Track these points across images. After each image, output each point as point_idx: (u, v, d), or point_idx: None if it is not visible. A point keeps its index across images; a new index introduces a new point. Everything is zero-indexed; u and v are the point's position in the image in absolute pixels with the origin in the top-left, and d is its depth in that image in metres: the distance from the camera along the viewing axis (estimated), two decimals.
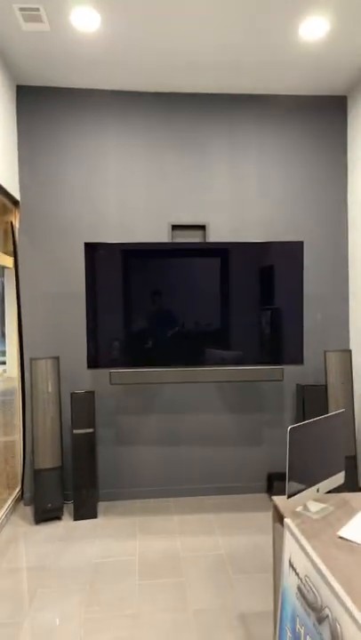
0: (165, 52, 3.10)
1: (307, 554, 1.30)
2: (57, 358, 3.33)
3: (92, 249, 3.25)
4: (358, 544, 1.62)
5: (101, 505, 3.57)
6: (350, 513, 1.88)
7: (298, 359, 3.37)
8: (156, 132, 3.63)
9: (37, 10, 2.66)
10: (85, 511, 3.33)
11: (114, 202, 3.61)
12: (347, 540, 1.65)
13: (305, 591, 1.30)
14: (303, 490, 1.85)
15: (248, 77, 3.44)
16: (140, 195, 3.63)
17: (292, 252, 3.36)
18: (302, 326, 3.36)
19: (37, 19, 2.74)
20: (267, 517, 3.33)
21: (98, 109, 3.57)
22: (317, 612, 1.22)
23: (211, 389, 3.70)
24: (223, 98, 3.65)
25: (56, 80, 3.45)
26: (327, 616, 1.16)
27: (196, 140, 3.65)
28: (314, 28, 2.85)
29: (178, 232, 3.68)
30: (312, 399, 3.52)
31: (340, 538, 1.67)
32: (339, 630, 1.09)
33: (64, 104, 3.55)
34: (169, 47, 3.04)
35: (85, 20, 2.76)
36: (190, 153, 3.65)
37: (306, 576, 1.30)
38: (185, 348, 3.36)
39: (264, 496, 3.70)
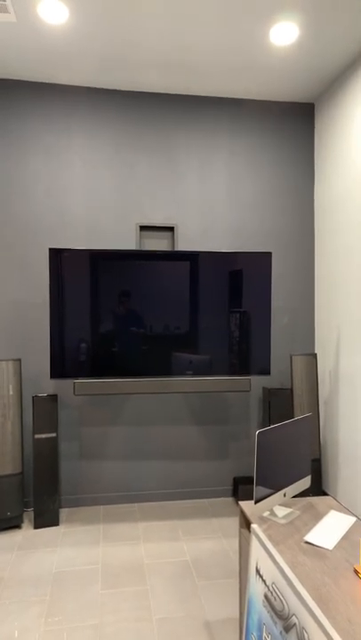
0: (135, 50, 3.06)
1: (274, 560, 1.28)
2: (19, 360, 3.22)
3: (56, 254, 3.14)
4: (324, 549, 1.61)
5: (63, 512, 3.47)
6: (316, 517, 1.88)
7: (265, 370, 3.38)
8: (126, 131, 3.58)
9: (3, 0, 2.57)
10: (46, 519, 3.22)
11: (80, 202, 3.53)
12: (313, 544, 1.64)
13: (272, 599, 1.28)
14: (270, 495, 1.84)
15: (218, 80, 3.44)
16: (107, 195, 3.56)
17: (260, 263, 3.37)
18: (270, 337, 3.37)
19: (3, 9, 2.64)
20: (233, 522, 3.31)
21: (65, 105, 3.49)
22: (284, 621, 1.20)
23: (176, 395, 3.66)
24: (194, 99, 3.64)
25: (22, 73, 3.35)
26: (295, 624, 1.14)
27: (167, 141, 3.62)
28: (284, 33, 2.88)
29: (146, 233, 3.63)
30: (278, 402, 3.54)
31: (307, 543, 1.66)
32: (306, 639, 1.07)
33: (29, 98, 3.44)
34: (139, 45, 3.01)
35: (53, 13, 2.68)
36: (160, 154, 3.62)
37: (273, 583, 1.28)
38: (151, 356, 3.31)
39: (230, 500, 3.69)
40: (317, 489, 3.47)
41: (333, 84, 3.47)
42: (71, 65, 3.24)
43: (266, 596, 1.31)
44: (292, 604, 1.16)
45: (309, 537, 1.69)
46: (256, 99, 3.72)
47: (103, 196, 3.56)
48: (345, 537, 1.69)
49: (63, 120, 3.49)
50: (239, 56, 3.12)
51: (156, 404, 3.64)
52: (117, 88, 3.55)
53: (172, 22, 2.78)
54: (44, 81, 3.44)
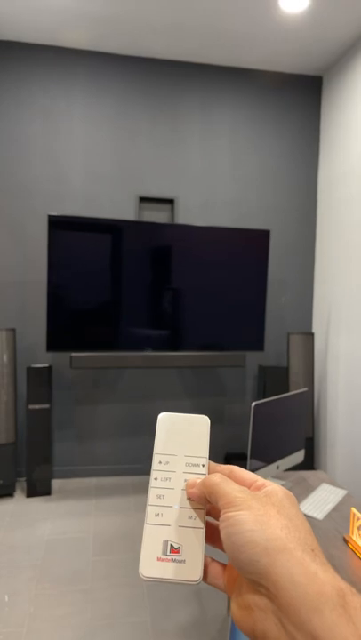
0: (137, 13, 2.96)
1: None
2: (13, 330, 3.19)
3: (55, 222, 3.07)
4: (315, 519, 1.62)
5: (56, 482, 3.48)
6: (308, 489, 1.88)
7: (259, 346, 3.37)
8: (127, 98, 3.48)
9: None
10: (39, 488, 3.23)
11: (79, 168, 3.45)
12: (304, 515, 1.65)
13: None
14: (263, 467, 1.84)
15: (225, 47, 3.33)
16: (107, 163, 3.48)
17: (258, 240, 3.34)
18: (264, 313, 3.35)
19: None
20: None
21: (66, 69, 3.38)
22: None
23: (171, 371, 3.65)
24: (198, 67, 3.54)
25: (22, 35, 3.23)
26: None
27: (169, 109, 3.52)
28: (294, 2, 2.78)
29: (145, 205, 3.57)
30: (274, 381, 3.53)
31: None
32: None
33: (29, 60, 3.33)
34: (144, 8, 2.90)
35: None
36: (162, 122, 3.53)
37: None
38: (148, 331, 3.28)
39: None
40: (310, 468, 3.49)
41: (343, 57, 3.38)
42: (70, 27, 3.12)
43: None
44: None
45: (301, 507, 1.69)
46: (262, 69, 3.61)
47: (103, 165, 3.48)
48: (335, 508, 1.70)
49: (62, 84, 3.38)
50: (246, 23, 3.02)
51: (151, 379, 3.64)
52: (119, 53, 3.43)
53: None
54: (43, 43, 3.33)
